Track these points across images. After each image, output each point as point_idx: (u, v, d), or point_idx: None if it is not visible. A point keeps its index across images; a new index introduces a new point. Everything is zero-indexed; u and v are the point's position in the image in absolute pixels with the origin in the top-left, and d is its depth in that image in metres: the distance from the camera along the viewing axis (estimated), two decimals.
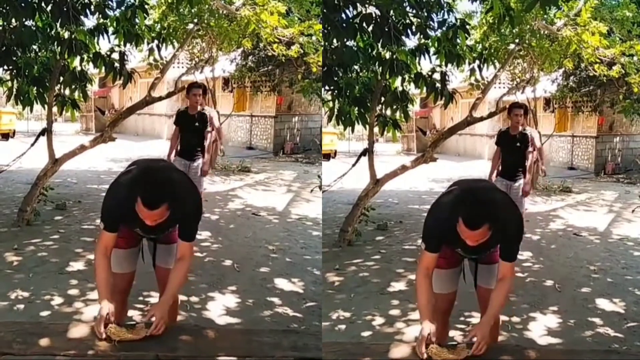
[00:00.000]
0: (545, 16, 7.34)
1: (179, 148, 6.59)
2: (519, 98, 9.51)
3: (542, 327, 4.69)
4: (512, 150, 6.40)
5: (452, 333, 4.54)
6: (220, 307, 4.74)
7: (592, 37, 7.33)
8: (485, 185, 3.63)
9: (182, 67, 8.74)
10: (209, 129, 6.68)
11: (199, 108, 6.54)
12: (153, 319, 3.20)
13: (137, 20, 6.62)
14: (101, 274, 3.36)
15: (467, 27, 6.45)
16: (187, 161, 6.47)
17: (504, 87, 9.15)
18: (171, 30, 7.42)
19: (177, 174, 3.46)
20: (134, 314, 4.50)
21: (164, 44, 7.43)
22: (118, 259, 3.55)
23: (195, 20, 7.57)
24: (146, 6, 6.71)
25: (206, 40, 8.18)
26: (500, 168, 6.50)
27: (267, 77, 10.27)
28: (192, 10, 7.36)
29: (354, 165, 7.46)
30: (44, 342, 3.13)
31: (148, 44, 7.23)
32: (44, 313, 4.50)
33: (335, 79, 6.36)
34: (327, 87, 6.48)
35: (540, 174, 7.45)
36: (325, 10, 6.07)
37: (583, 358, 3.78)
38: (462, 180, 3.85)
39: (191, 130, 6.53)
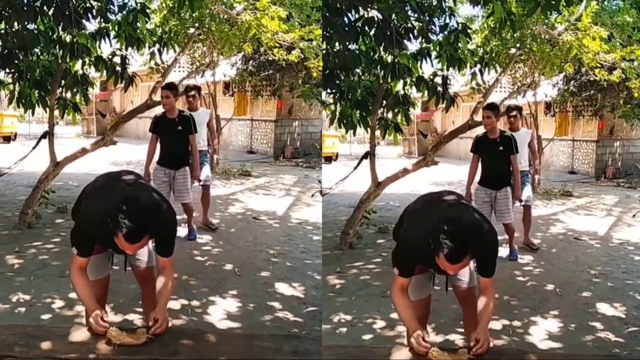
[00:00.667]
0: (546, 21, 7.35)
1: (159, 156, 6.24)
2: (520, 102, 9.51)
3: (542, 332, 4.70)
4: (494, 155, 6.06)
5: (452, 337, 4.55)
6: (221, 312, 4.75)
7: (593, 42, 7.35)
8: (461, 212, 3.26)
9: (183, 71, 8.75)
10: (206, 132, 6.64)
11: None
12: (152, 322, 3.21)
13: (138, 25, 6.62)
14: (83, 290, 3.39)
15: (469, 31, 6.46)
16: (170, 170, 6.19)
17: (505, 91, 9.15)
18: (172, 35, 7.43)
19: (154, 197, 3.35)
20: (134, 317, 4.51)
21: (165, 48, 7.44)
22: (89, 267, 3.49)
23: (197, 25, 7.59)
24: (147, 10, 6.72)
25: (207, 45, 8.19)
26: (480, 176, 6.19)
27: (267, 82, 10.27)
28: (193, 15, 7.38)
29: (355, 168, 7.48)
30: (46, 345, 3.14)
31: (149, 48, 7.24)
32: (45, 316, 4.51)
33: (337, 82, 6.39)
34: (328, 90, 6.50)
35: (535, 183, 7.31)
36: (327, 14, 6.09)
37: None
38: (431, 199, 3.54)
39: (172, 135, 6.17)
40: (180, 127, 6.17)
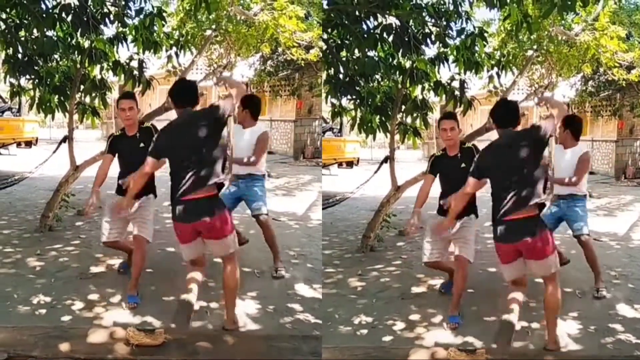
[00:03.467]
0: (562, 22, 7.31)
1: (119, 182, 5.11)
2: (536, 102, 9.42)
3: (562, 333, 4.65)
4: (455, 175, 4.85)
5: (469, 339, 4.53)
6: (240, 313, 4.74)
7: (611, 41, 7.28)
8: None
9: (201, 73, 8.78)
10: None
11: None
12: None
13: (155, 28, 6.68)
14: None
15: (485, 34, 6.46)
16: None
17: (522, 93, 9.11)
18: (189, 37, 7.46)
19: None
20: (152, 320, 4.54)
21: (182, 51, 7.48)
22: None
23: (213, 27, 7.62)
24: (164, 14, 6.77)
25: (224, 46, 8.21)
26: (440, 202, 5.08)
27: (286, 81, 10.22)
28: (210, 17, 7.41)
29: (375, 172, 7.52)
30: (65, 346, 3.19)
31: (166, 51, 7.29)
32: (65, 318, 4.55)
33: (357, 88, 6.44)
34: (349, 97, 6.54)
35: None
36: (346, 22, 6.13)
37: None
38: None
39: (135, 155, 4.82)
40: (142, 144, 4.91)
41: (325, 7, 6.41)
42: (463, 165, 4.81)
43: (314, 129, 10.59)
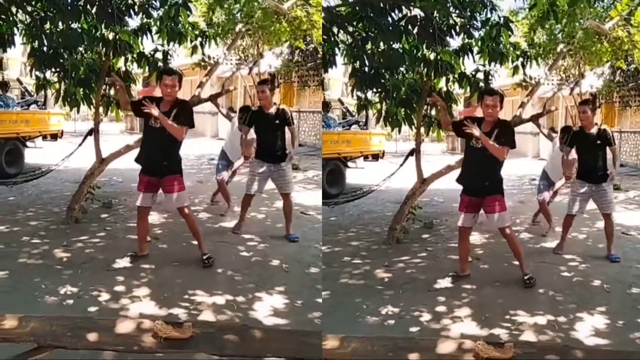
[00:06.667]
0: (596, 15, 7.19)
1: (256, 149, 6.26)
2: (564, 93, 9.29)
3: (589, 328, 4.60)
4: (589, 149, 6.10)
5: (497, 331, 4.50)
6: (267, 308, 4.75)
7: None
8: None
9: (227, 63, 8.70)
10: None
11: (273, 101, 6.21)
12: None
13: (180, 19, 6.67)
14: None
15: (511, 24, 6.37)
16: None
17: (549, 84, 8.97)
18: (219, 31, 7.44)
19: None
20: (179, 312, 4.57)
21: (208, 42, 7.46)
22: None
23: (245, 21, 7.59)
24: (190, 3, 6.76)
25: (254, 39, 8.15)
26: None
27: (314, 72, 10.09)
28: (243, 9, 7.39)
29: (401, 165, 7.49)
30: (93, 336, 3.21)
31: (191, 42, 7.27)
32: (92, 308, 4.60)
33: (382, 81, 6.40)
34: (374, 90, 6.51)
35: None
36: (371, 14, 6.08)
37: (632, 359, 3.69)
38: None
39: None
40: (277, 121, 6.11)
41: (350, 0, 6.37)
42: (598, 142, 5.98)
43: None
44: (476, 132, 5.15)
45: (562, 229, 6.35)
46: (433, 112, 6.60)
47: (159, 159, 5.37)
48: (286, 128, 6.17)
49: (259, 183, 6.23)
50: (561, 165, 6.44)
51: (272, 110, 6.13)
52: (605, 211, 6.12)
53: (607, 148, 6.06)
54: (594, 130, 6.03)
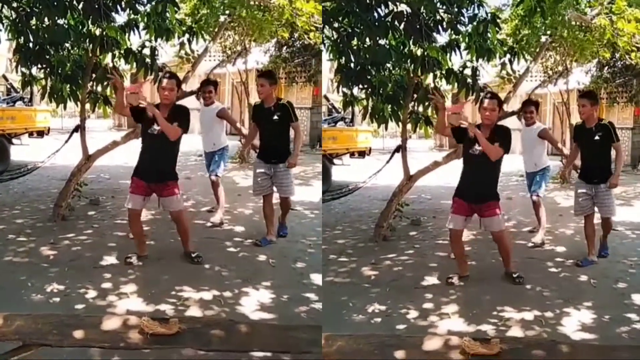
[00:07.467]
0: (577, 6, 7.21)
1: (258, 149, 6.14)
2: (551, 90, 9.35)
3: (576, 323, 4.62)
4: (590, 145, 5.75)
5: (484, 327, 4.51)
6: (254, 303, 4.74)
7: (628, 24, 7.15)
8: None
9: (214, 60, 8.67)
10: None
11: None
12: None
13: (167, 15, 6.63)
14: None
15: (498, 20, 6.37)
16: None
17: (536, 80, 9.01)
18: (202, 23, 7.38)
19: None
20: (166, 308, 4.55)
21: (195, 38, 7.42)
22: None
23: (227, 12, 7.54)
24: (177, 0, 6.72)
25: (239, 32, 8.10)
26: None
27: (302, 68, 10.04)
28: (225, 2, 7.33)
29: (387, 161, 7.48)
30: (79, 334, 3.20)
31: (179, 38, 7.23)
32: (79, 306, 4.57)
33: (369, 77, 6.36)
34: (360, 86, 6.47)
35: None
36: (357, 9, 6.06)
37: (618, 354, 3.72)
38: None
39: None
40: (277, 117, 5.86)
41: None
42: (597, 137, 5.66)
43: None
44: (472, 129, 5.14)
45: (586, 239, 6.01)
46: (420, 109, 6.59)
47: (159, 166, 5.32)
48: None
49: (262, 183, 5.98)
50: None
51: (273, 104, 5.88)
52: (605, 215, 5.90)
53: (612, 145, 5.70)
54: (595, 125, 5.70)
